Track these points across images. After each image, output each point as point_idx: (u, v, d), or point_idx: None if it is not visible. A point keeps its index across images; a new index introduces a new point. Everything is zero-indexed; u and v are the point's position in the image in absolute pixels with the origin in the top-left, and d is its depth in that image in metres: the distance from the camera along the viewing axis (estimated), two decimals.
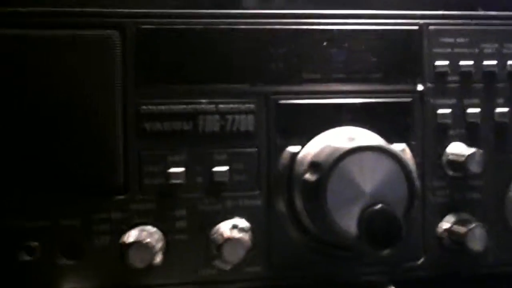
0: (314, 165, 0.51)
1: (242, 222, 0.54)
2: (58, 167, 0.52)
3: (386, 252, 0.48)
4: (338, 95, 0.56)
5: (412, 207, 0.50)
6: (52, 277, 0.53)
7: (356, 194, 0.49)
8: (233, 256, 0.52)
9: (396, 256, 0.55)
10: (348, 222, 0.49)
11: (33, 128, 0.52)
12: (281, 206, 0.55)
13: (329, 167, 0.49)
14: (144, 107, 0.53)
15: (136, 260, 0.50)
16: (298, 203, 0.53)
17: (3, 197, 0.52)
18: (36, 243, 0.52)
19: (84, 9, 0.53)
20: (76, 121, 0.52)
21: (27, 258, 0.52)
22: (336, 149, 0.50)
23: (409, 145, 0.56)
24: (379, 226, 0.48)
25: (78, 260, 0.53)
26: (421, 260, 0.57)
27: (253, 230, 0.54)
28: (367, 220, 0.48)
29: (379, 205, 0.48)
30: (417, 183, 0.50)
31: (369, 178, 0.49)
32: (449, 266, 0.57)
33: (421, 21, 0.57)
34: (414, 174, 0.50)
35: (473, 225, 0.55)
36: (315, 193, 0.49)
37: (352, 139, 0.52)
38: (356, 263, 0.56)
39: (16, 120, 0.51)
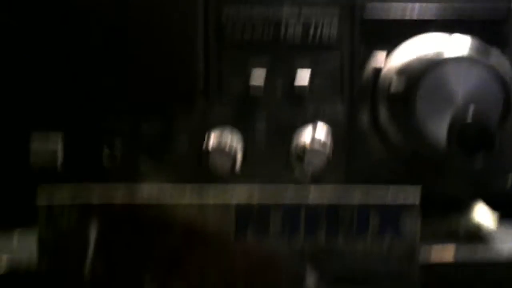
0: (402, 74, 0.49)
1: (324, 129, 0.53)
2: (139, 72, 0.52)
3: (477, 161, 0.46)
4: None
5: (507, 116, 0.48)
6: (133, 178, 0.53)
7: (447, 103, 0.47)
8: (313, 164, 0.51)
9: (486, 170, 0.53)
10: (438, 131, 0.47)
11: (115, 33, 0.51)
12: (364, 115, 0.53)
13: (418, 76, 0.47)
14: (226, 9, 0.52)
15: (217, 165, 0.51)
16: (382, 114, 0.52)
17: (89, 100, 0.52)
18: (118, 142, 0.53)
19: None
20: (157, 26, 0.51)
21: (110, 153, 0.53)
22: (427, 58, 0.48)
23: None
24: (471, 131, 0.46)
25: (158, 163, 0.53)
26: None
27: (333, 138, 0.53)
28: (458, 125, 0.46)
29: (472, 109, 0.46)
30: None
31: (461, 88, 0.48)
32: None
33: None
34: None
35: None
36: (404, 102, 0.48)
37: (442, 48, 0.49)
38: (441, 178, 0.55)
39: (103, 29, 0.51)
